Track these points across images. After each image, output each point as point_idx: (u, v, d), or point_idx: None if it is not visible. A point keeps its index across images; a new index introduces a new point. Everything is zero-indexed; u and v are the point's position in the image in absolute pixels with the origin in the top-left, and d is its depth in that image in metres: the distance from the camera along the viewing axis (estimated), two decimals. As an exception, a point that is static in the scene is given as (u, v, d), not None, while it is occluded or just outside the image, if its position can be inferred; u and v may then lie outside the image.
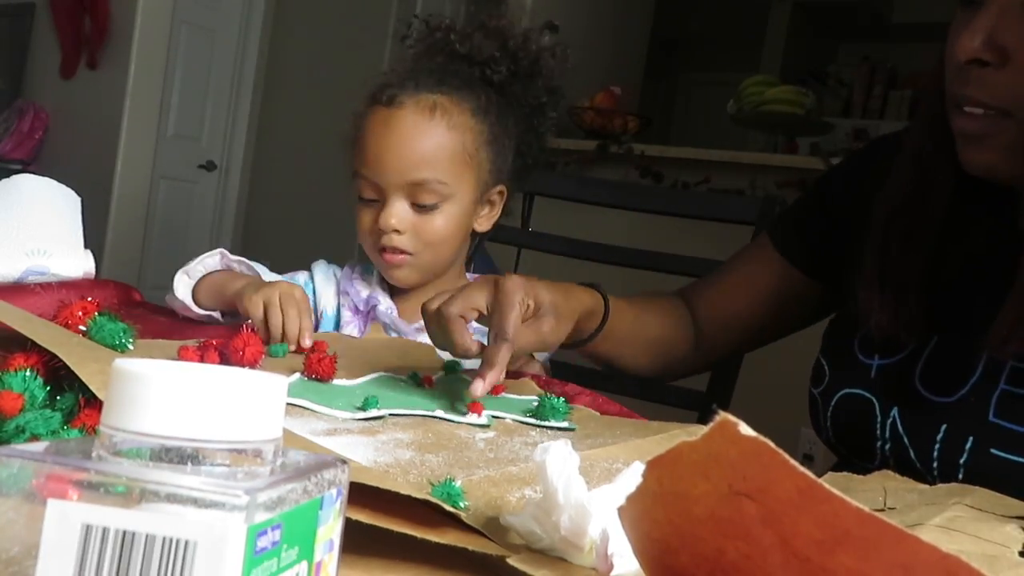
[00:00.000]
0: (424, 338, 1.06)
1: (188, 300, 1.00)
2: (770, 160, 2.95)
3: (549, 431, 0.71)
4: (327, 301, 1.10)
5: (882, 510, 0.56)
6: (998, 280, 0.71)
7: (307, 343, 0.87)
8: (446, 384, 0.82)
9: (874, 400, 0.78)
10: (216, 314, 1.00)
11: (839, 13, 5.73)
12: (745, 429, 0.27)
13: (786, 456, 0.27)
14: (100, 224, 3.95)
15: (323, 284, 1.11)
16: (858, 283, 0.80)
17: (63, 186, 1.06)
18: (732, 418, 0.27)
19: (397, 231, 1.01)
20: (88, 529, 0.23)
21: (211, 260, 1.04)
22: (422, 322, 1.06)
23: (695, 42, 6.41)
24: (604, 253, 1.50)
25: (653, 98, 6.00)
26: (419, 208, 1.01)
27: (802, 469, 0.27)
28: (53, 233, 0.99)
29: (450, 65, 1.06)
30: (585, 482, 0.41)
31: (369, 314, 1.09)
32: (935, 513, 0.53)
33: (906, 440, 0.76)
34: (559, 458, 0.41)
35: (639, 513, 0.32)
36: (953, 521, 0.51)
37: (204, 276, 1.02)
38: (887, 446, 0.77)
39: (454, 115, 1.02)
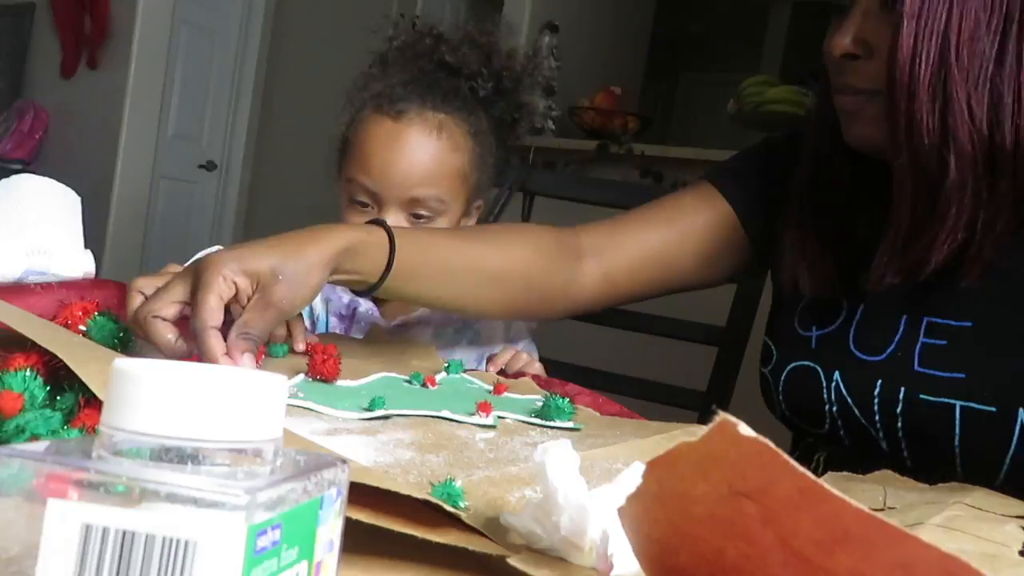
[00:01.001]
0: (405, 334, 1.08)
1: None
2: (770, 160, 2.94)
3: (549, 431, 0.71)
4: (317, 308, 1.11)
5: (882, 509, 0.56)
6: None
7: (300, 348, 0.85)
8: (449, 385, 0.82)
9: (818, 368, 0.86)
10: None
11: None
12: (745, 429, 0.27)
13: (786, 456, 0.27)
14: (100, 224, 3.95)
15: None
16: (785, 249, 0.89)
17: (63, 186, 1.06)
18: (732, 418, 0.27)
19: None
20: (88, 529, 0.23)
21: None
22: (402, 318, 1.07)
23: (695, 42, 6.40)
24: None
25: (653, 98, 6.00)
26: (413, 219, 1.04)
27: (802, 469, 0.27)
28: (53, 233, 0.99)
29: (436, 73, 1.07)
30: (585, 482, 0.41)
31: (352, 317, 1.09)
32: (935, 512, 0.53)
33: (849, 400, 0.83)
34: (559, 458, 0.41)
35: (639, 513, 0.32)
36: (953, 520, 0.51)
37: None
38: (834, 408, 0.84)
39: (456, 136, 1.05)
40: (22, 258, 0.94)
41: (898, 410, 0.81)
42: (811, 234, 0.87)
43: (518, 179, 1.51)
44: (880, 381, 0.82)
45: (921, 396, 0.79)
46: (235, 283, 0.67)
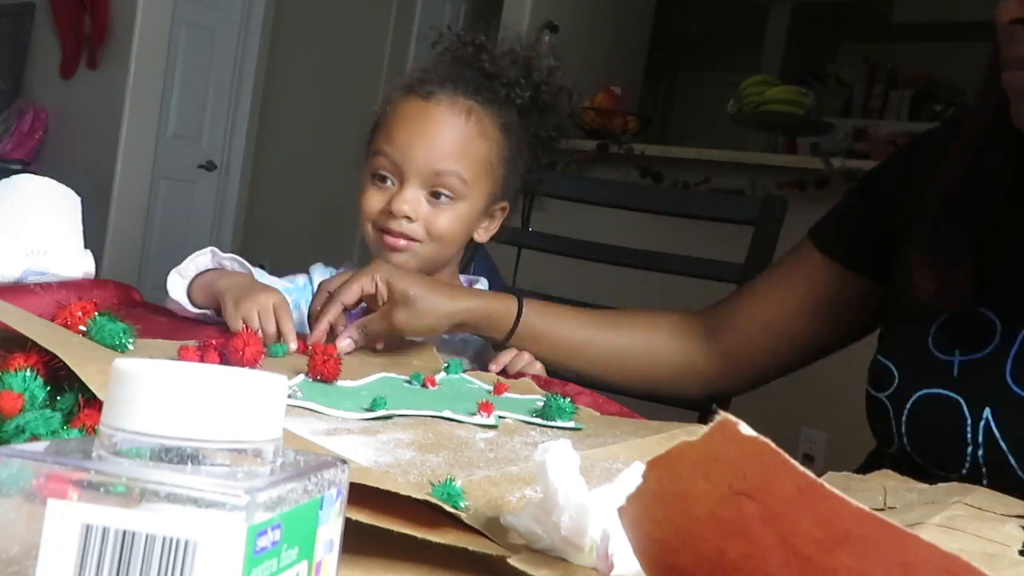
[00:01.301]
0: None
1: (183, 300, 1.00)
2: (770, 160, 2.94)
3: (549, 431, 0.71)
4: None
5: (882, 509, 0.56)
6: None
7: (292, 347, 0.88)
8: (449, 385, 0.82)
9: (960, 400, 0.73)
10: (211, 312, 1.00)
11: (839, 13, 5.73)
12: (745, 429, 0.27)
13: (786, 456, 0.27)
14: (100, 224, 3.95)
15: (307, 293, 1.13)
16: (910, 254, 0.78)
17: (63, 186, 1.06)
18: (732, 418, 0.27)
19: (408, 217, 1.03)
20: (88, 529, 0.23)
21: (202, 259, 1.05)
22: None
23: (695, 42, 6.41)
24: (604, 253, 1.50)
25: (653, 98, 5.99)
26: (433, 199, 1.04)
27: (802, 469, 0.27)
28: (53, 233, 0.99)
29: (472, 76, 1.08)
30: (585, 482, 0.41)
31: (361, 314, 1.10)
32: (935, 512, 0.53)
33: (1003, 445, 0.70)
34: (560, 458, 0.41)
35: (639, 513, 0.32)
36: (953, 520, 0.51)
37: (197, 275, 1.03)
38: (979, 452, 0.71)
39: (485, 123, 1.06)
40: (22, 258, 0.94)
41: None
42: (950, 238, 0.76)
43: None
44: None
45: None
46: (378, 286, 0.89)
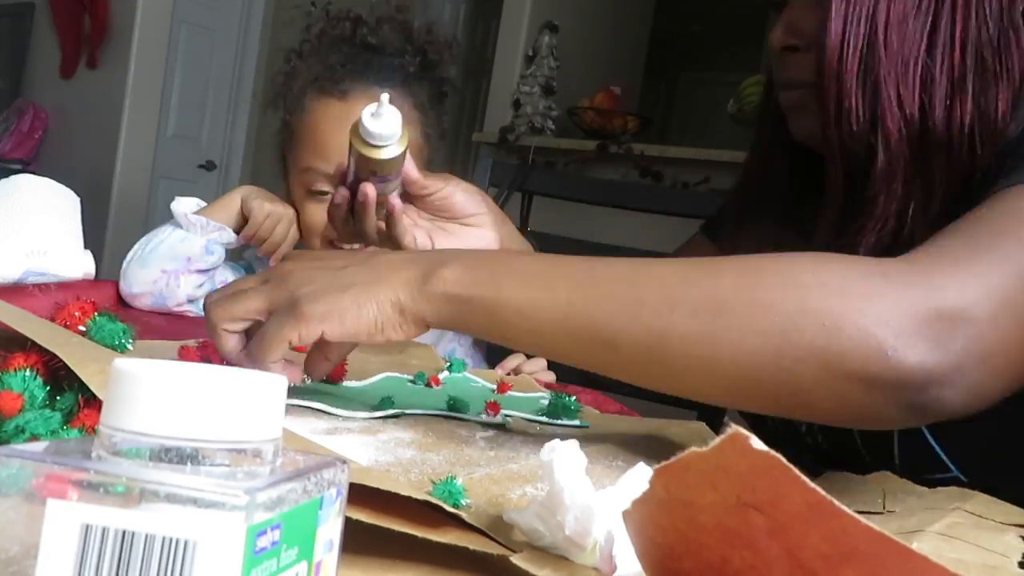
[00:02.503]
0: None
1: (190, 214, 1.07)
2: (770, 160, 2.94)
3: (549, 428, 0.71)
4: None
5: (881, 513, 0.56)
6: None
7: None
8: (454, 384, 0.82)
9: None
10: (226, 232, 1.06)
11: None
12: (756, 443, 0.27)
13: (797, 471, 0.27)
14: (100, 224, 3.95)
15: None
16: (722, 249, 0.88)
17: (63, 186, 1.06)
18: (743, 431, 0.27)
19: None
20: (87, 529, 0.23)
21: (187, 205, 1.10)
22: None
23: (695, 42, 6.40)
24: (604, 253, 1.50)
25: (653, 98, 5.99)
26: None
27: (813, 484, 0.27)
28: (53, 233, 0.99)
29: (362, 55, 1.05)
30: (591, 482, 0.41)
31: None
32: (935, 519, 0.52)
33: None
34: (566, 458, 0.41)
35: (644, 518, 0.32)
36: (953, 528, 0.51)
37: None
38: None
39: (405, 108, 1.03)
40: (22, 259, 0.94)
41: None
42: (744, 237, 0.86)
43: (515, 179, 1.51)
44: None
45: None
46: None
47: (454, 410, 0.71)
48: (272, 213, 1.03)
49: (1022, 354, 0.56)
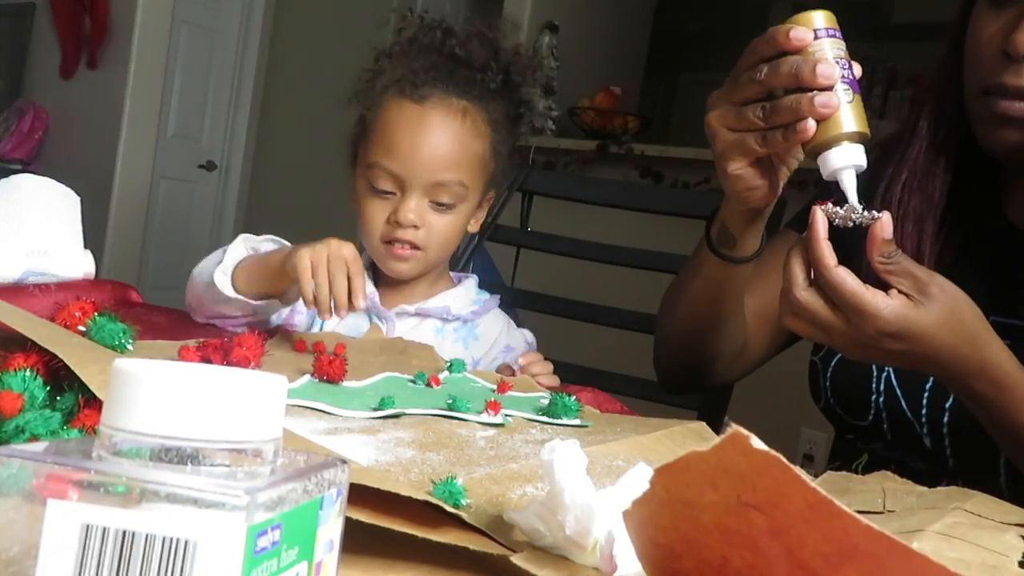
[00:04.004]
0: (402, 324, 1.09)
1: (227, 288, 0.93)
2: (770, 160, 2.94)
3: (549, 428, 0.71)
4: None
5: (881, 512, 0.56)
6: (988, 259, 0.82)
7: (360, 305, 0.86)
8: (454, 384, 0.82)
9: None
10: (256, 303, 0.94)
11: (839, 13, 5.71)
12: (757, 443, 0.27)
13: (797, 471, 0.27)
14: (100, 224, 3.95)
15: None
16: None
17: (63, 186, 1.06)
18: (744, 431, 0.27)
19: (415, 226, 1.03)
20: (88, 529, 0.23)
21: (237, 249, 0.98)
22: (401, 307, 1.08)
23: (695, 42, 6.40)
24: (604, 253, 1.50)
25: (653, 98, 5.98)
26: (435, 206, 1.04)
27: (813, 484, 0.27)
28: (53, 233, 0.99)
29: (447, 65, 1.07)
30: (592, 482, 0.41)
31: None
32: (935, 519, 0.53)
33: (899, 391, 0.83)
34: (567, 458, 0.41)
35: (644, 517, 0.32)
36: (953, 528, 0.51)
37: (237, 266, 0.97)
38: (881, 399, 0.84)
39: (478, 122, 1.06)
40: (22, 259, 0.94)
41: (947, 404, 0.79)
42: (904, 245, 0.83)
43: (516, 179, 1.51)
44: (932, 379, 0.80)
45: None
46: None
47: (454, 410, 0.71)
48: (319, 261, 0.87)
49: None
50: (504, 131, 1.10)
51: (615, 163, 3.14)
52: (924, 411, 0.81)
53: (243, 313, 0.96)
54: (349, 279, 0.86)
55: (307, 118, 4.51)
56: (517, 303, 1.64)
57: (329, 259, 0.87)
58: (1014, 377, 0.66)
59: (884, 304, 0.63)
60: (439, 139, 1.03)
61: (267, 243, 1.01)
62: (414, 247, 1.04)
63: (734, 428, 0.27)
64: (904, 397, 0.82)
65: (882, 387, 0.84)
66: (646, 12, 4.32)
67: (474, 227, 1.13)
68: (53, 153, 4.21)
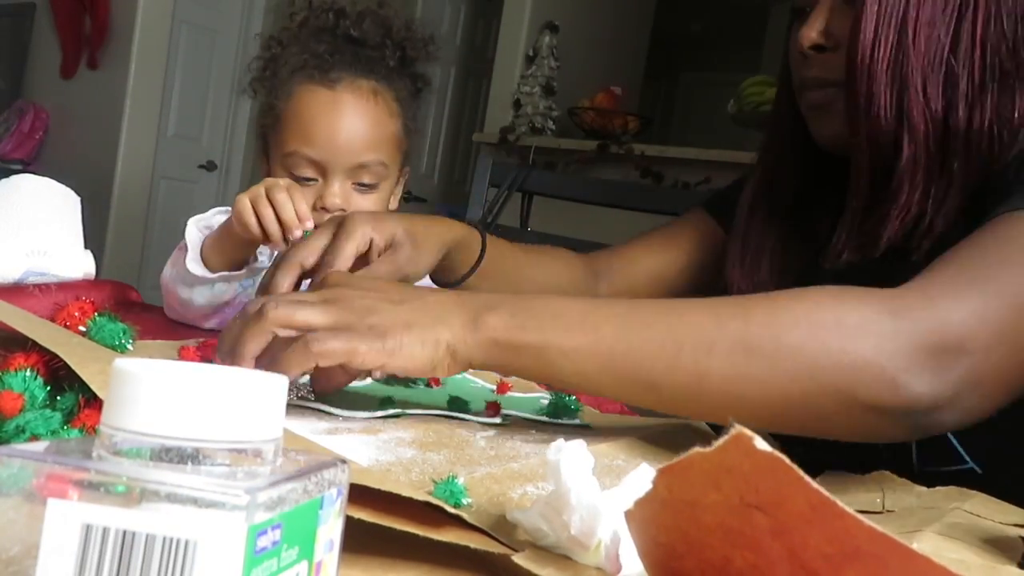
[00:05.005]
0: None
1: (203, 271, 0.95)
2: (770, 160, 2.94)
3: (548, 429, 0.71)
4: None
5: (880, 512, 0.56)
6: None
7: (309, 225, 0.86)
8: (454, 384, 0.82)
9: None
10: (237, 273, 0.96)
11: (839, 13, 5.71)
12: (760, 443, 0.27)
13: (800, 472, 0.27)
14: (100, 224, 3.95)
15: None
16: (726, 254, 0.93)
17: (63, 186, 1.06)
18: (747, 432, 0.27)
19: (342, 210, 1.03)
20: (88, 529, 0.23)
21: (193, 234, 0.99)
22: None
23: (695, 42, 6.40)
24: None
25: (653, 98, 5.99)
26: (357, 187, 1.05)
27: (816, 485, 0.27)
28: (53, 233, 0.99)
29: (349, 47, 1.07)
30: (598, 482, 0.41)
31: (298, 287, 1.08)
32: (934, 519, 0.53)
33: None
34: (573, 458, 0.41)
35: (647, 517, 0.32)
36: (953, 528, 0.51)
37: (203, 246, 0.98)
38: None
39: (389, 101, 1.07)
40: (22, 259, 0.94)
41: None
42: (754, 243, 0.91)
43: (516, 179, 1.51)
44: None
45: None
46: (371, 240, 0.76)
47: (454, 409, 0.70)
48: (258, 194, 0.88)
49: (1013, 377, 0.63)
50: (411, 108, 1.11)
51: (615, 163, 3.14)
52: None
53: (231, 295, 0.97)
54: (296, 206, 0.87)
55: (307, 118, 4.50)
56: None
57: (267, 191, 0.87)
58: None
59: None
60: (356, 122, 1.04)
61: (218, 216, 1.01)
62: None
63: (737, 428, 0.27)
64: None
65: None
66: (646, 12, 4.32)
67: (393, 204, 1.13)
68: (53, 153, 4.21)
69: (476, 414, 0.70)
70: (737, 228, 0.94)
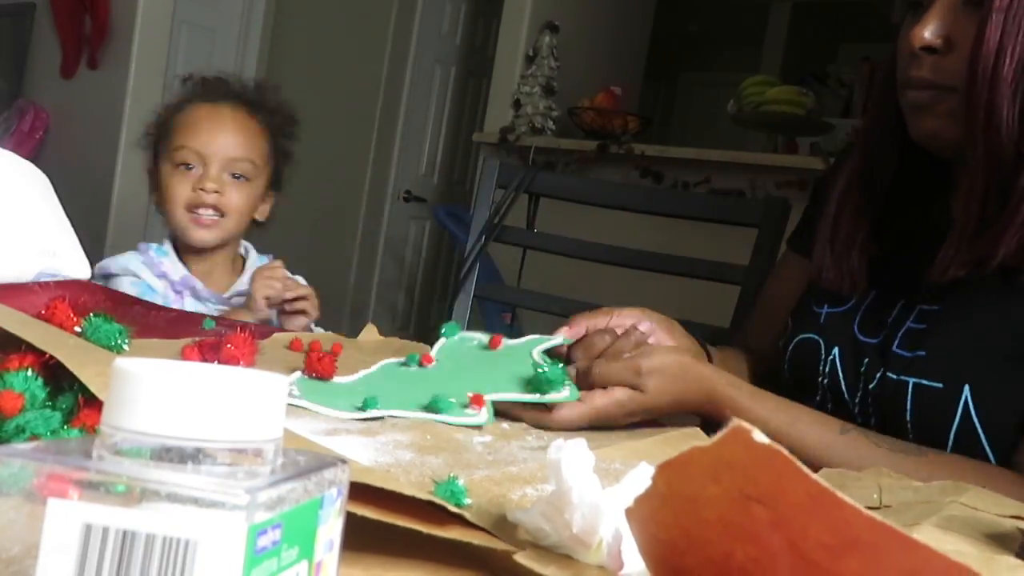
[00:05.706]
0: (235, 303, 1.33)
1: None
2: (770, 160, 2.94)
3: (546, 435, 0.71)
4: (157, 285, 1.33)
5: (877, 507, 0.56)
6: (928, 251, 0.85)
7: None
8: (447, 356, 0.82)
9: (820, 341, 0.91)
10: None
11: (839, 13, 5.72)
12: (758, 436, 0.27)
13: (798, 463, 0.27)
14: (100, 224, 3.95)
15: (149, 276, 1.33)
16: (816, 242, 0.94)
17: (30, 164, 1.02)
18: (745, 425, 0.27)
19: (217, 191, 1.31)
20: (88, 529, 0.23)
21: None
22: (234, 289, 1.37)
23: (695, 42, 6.40)
24: (609, 254, 1.50)
25: (653, 98, 5.99)
26: (231, 179, 1.33)
27: (814, 476, 0.27)
28: (52, 228, 0.98)
29: (234, 92, 1.43)
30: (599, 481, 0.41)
31: (184, 293, 1.34)
32: (931, 512, 0.53)
33: (840, 374, 0.88)
34: (574, 457, 0.41)
35: (647, 514, 0.32)
36: (950, 521, 0.51)
37: None
38: (826, 381, 0.90)
39: (260, 124, 1.40)
40: (35, 258, 0.94)
41: (871, 387, 0.85)
42: (843, 236, 0.90)
43: (523, 180, 1.51)
44: (867, 360, 0.85)
45: (888, 374, 0.83)
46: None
47: (434, 409, 0.70)
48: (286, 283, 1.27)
49: None
50: (278, 149, 1.42)
51: (615, 163, 3.14)
52: (859, 394, 0.86)
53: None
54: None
55: (306, 118, 4.51)
56: (523, 303, 1.64)
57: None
58: (738, 401, 0.78)
59: (614, 401, 0.75)
60: (232, 126, 1.35)
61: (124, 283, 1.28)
62: (217, 210, 1.31)
63: (736, 422, 0.27)
64: (844, 380, 0.87)
65: (827, 368, 0.89)
66: (646, 12, 4.32)
67: (260, 216, 1.41)
68: (53, 153, 4.21)
69: (459, 411, 0.70)
70: (828, 212, 0.92)
